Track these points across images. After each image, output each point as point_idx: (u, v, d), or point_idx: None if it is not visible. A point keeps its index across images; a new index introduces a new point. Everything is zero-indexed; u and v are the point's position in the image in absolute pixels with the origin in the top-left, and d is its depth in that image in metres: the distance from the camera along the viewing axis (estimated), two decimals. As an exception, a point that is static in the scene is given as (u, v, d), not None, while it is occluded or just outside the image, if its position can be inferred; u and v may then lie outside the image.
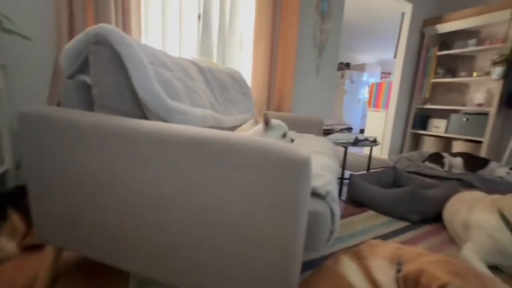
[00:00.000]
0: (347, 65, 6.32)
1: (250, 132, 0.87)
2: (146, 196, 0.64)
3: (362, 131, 6.21)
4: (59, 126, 0.70)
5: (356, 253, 0.73)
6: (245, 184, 0.55)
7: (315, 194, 0.70)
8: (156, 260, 0.68)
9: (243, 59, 2.19)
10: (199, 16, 1.94)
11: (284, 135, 0.87)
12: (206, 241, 0.61)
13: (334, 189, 0.74)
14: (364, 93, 6.47)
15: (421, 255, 0.63)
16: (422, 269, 0.57)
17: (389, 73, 6.87)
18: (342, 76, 6.17)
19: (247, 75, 2.17)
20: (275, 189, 0.54)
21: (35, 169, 0.76)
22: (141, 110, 0.80)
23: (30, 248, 0.98)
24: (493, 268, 1.03)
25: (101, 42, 0.75)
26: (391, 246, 0.70)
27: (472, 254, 1.03)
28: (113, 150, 0.65)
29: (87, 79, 0.84)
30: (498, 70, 2.63)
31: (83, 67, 0.84)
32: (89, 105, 0.83)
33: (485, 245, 1.02)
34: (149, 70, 0.77)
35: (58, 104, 0.83)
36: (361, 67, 6.54)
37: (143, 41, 1.70)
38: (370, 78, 6.65)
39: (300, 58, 2.39)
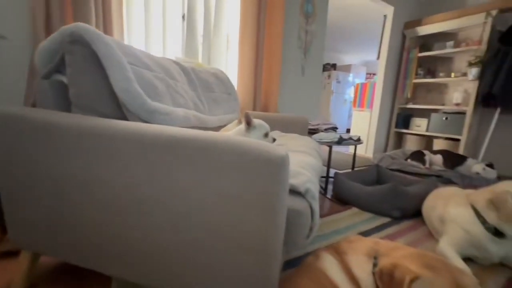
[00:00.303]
0: (334, 66, 6.43)
1: (232, 132, 0.88)
2: (124, 198, 0.63)
3: (348, 130, 6.32)
4: (34, 127, 0.68)
5: (336, 249, 0.75)
6: (223, 183, 0.55)
7: (295, 192, 0.71)
8: (137, 263, 0.67)
9: (230, 59, 2.19)
10: (183, 16, 1.92)
11: (266, 135, 0.87)
12: (186, 242, 0.61)
13: (314, 186, 0.75)
14: (350, 93, 6.59)
15: (395, 249, 0.65)
16: (396, 263, 0.59)
17: (374, 74, 7.02)
18: (329, 76, 6.26)
19: (234, 76, 2.17)
20: (253, 188, 0.54)
21: (8, 172, 0.73)
22: (121, 111, 0.79)
23: (4, 255, 0.94)
24: (468, 260, 1.08)
25: (77, 41, 0.73)
26: (369, 241, 0.72)
27: (447, 247, 1.07)
28: (90, 152, 0.64)
29: (64, 79, 0.82)
30: (473, 71, 2.75)
31: (60, 67, 0.82)
32: (66, 105, 0.80)
33: (460, 238, 1.06)
34: (128, 70, 0.76)
35: (33, 105, 0.80)
36: (347, 68, 6.67)
37: (126, 41, 1.67)
38: (356, 78, 6.79)
39: (286, 58, 2.41)
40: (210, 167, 0.56)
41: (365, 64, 7.27)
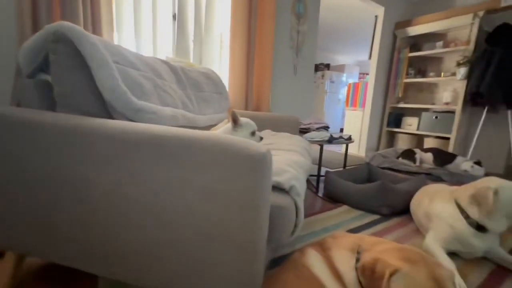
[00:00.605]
0: (327, 66, 6.48)
1: (219, 130, 0.88)
2: (108, 196, 0.63)
3: (342, 130, 6.36)
4: (18, 126, 0.67)
5: (321, 245, 0.76)
6: (206, 181, 0.56)
7: (280, 189, 0.72)
8: (123, 262, 0.67)
9: (224, 58, 2.19)
10: (174, 16, 1.92)
11: (253, 133, 0.88)
12: (170, 240, 0.61)
13: (299, 184, 0.76)
14: (344, 93, 6.65)
15: (377, 244, 0.66)
16: (377, 258, 0.60)
17: (367, 74, 7.09)
18: (323, 76, 6.31)
19: (226, 75, 2.17)
20: (235, 185, 0.55)
21: (-9, 172, 0.73)
22: (106, 110, 0.79)
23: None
24: (453, 254, 1.10)
25: (61, 40, 0.72)
26: (352, 237, 0.74)
27: (433, 242, 1.09)
28: (73, 150, 0.63)
29: (48, 78, 0.82)
30: (462, 71, 2.80)
31: (44, 66, 0.81)
32: (51, 104, 0.80)
33: (444, 233, 1.08)
34: (113, 69, 0.76)
35: (18, 104, 0.80)
36: (341, 68, 6.73)
37: (116, 41, 1.66)
38: (349, 78, 6.85)
39: (278, 58, 2.42)
40: (193, 164, 0.56)
41: (358, 64, 7.34)
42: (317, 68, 6.39)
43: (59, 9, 1.34)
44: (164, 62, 1.20)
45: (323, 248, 0.74)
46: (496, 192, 0.97)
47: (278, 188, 0.72)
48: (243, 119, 0.86)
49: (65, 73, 0.74)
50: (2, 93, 1.28)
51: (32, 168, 0.68)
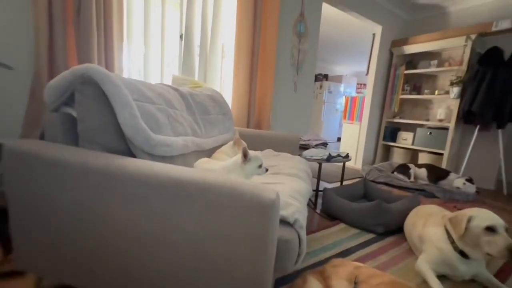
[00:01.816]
0: (326, 77, 6.60)
1: (229, 163, 0.95)
2: (125, 231, 0.69)
3: (339, 139, 6.47)
4: (44, 161, 0.74)
5: (321, 274, 0.83)
6: (219, 222, 0.62)
7: (285, 222, 0.79)
8: (138, 288, 0.73)
9: (225, 67, 2.25)
10: (181, 36, 2.00)
11: (260, 166, 0.95)
12: (182, 274, 0.67)
13: (302, 216, 0.83)
14: (342, 103, 6.77)
15: (373, 276, 0.73)
16: (372, 290, 0.67)
17: (364, 84, 7.24)
18: (321, 87, 6.42)
19: (228, 92, 2.25)
20: (246, 227, 0.61)
21: (19, 197, 0.79)
22: (125, 144, 0.85)
23: (7, 275, 0.98)
24: (443, 277, 1.17)
25: (87, 82, 0.79)
26: (350, 266, 0.81)
27: (424, 264, 1.17)
28: (97, 187, 0.70)
29: (72, 111, 0.88)
30: (455, 90, 2.91)
31: (68, 100, 0.88)
32: (74, 136, 0.86)
33: (434, 256, 1.16)
34: (134, 108, 0.83)
35: (42, 137, 0.86)
36: (338, 79, 6.87)
37: (126, 59, 1.73)
38: (347, 88, 6.99)
39: (279, 75, 2.51)
40: (208, 207, 0.63)
41: (356, 74, 7.49)
42: (316, 78, 6.51)
43: (71, 15, 1.39)
44: (174, 89, 1.26)
45: (323, 277, 0.81)
46: (469, 219, 1.05)
47: (283, 221, 0.78)
48: (251, 153, 0.93)
49: (90, 111, 0.81)
50: (15, 117, 1.33)
51: (54, 200, 0.74)
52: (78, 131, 0.82)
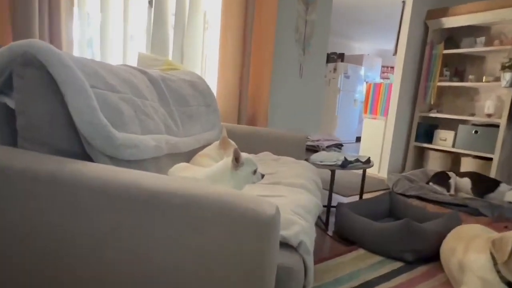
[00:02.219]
0: (341, 56, 6.68)
1: (215, 169, 0.98)
2: (86, 252, 0.72)
3: (358, 139, 6.56)
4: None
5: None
6: (205, 242, 0.65)
7: (287, 245, 0.83)
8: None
9: (207, 41, 2.28)
10: (150, 2, 2.02)
11: (254, 172, 0.99)
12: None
13: (309, 239, 0.86)
14: (362, 91, 6.86)
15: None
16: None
17: (392, 67, 7.35)
18: (335, 70, 6.51)
19: (213, 76, 2.28)
20: (238, 247, 0.64)
21: None
22: (80, 145, 0.88)
23: None
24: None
25: (30, 63, 0.81)
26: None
27: (464, 301, 1.22)
28: (46, 199, 0.72)
29: (8, 101, 0.90)
30: (507, 76, 3.00)
31: (2, 86, 0.89)
32: (10, 133, 0.88)
33: (475, 289, 1.22)
34: (92, 97, 0.85)
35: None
36: (358, 59, 6.96)
37: (77, 29, 1.75)
38: (369, 72, 7.10)
39: (280, 55, 2.55)
40: (188, 223, 0.66)
41: (381, 54, 7.60)
42: (328, 58, 6.58)
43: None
44: (142, 72, 1.29)
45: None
46: None
47: (284, 244, 0.82)
48: (243, 156, 0.96)
49: (33, 101, 0.83)
50: None
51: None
52: (17, 126, 0.84)
